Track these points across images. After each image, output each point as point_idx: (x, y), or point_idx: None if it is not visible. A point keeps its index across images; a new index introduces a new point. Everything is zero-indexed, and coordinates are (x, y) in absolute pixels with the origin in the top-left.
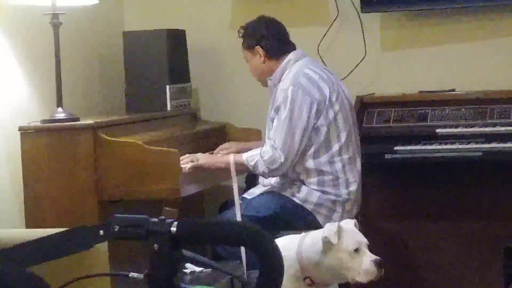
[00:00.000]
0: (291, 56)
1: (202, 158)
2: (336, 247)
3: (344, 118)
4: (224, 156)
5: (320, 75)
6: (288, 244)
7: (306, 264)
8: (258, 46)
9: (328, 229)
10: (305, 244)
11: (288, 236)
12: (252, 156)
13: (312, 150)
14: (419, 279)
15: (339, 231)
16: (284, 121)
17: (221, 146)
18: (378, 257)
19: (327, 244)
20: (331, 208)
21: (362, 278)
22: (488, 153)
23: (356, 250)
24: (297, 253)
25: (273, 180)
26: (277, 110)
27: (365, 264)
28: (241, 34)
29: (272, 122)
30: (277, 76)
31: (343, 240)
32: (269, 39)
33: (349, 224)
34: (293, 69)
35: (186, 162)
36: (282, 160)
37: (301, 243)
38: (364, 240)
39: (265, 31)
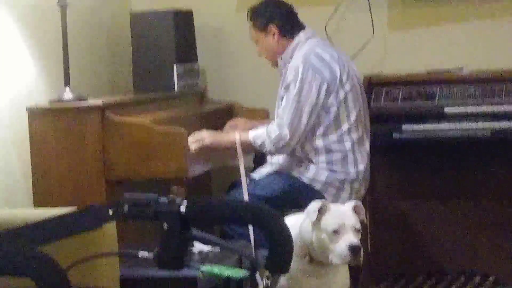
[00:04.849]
0: (302, 35)
1: (208, 137)
2: (319, 226)
3: (354, 98)
4: (231, 134)
5: (331, 54)
6: (293, 223)
7: (304, 242)
8: (272, 24)
9: (310, 206)
10: (304, 222)
11: (295, 215)
12: (259, 134)
13: (321, 129)
14: (427, 258)
15: (323, 210)
16: (293, 99)
17: (228, 123)
18: (355, 242)
19: (310, 222)
20: (339, 187)
21: (335, 261)
22: (497, 132)
23: (336, 232)
24: (299, 231)
25: (281, 159)
26: (286, 87)
27: (339, 247)
28: (250, 15)
29: (282, 100)
30: (288, 54)
31: (324, 219)
32: (281, 18)
33: (346, 205)
34: (304, 48)
35: (193, 142)
36: (288, 138)
37: (302, 221)
38: (349, 223)
39: (276, 10)
